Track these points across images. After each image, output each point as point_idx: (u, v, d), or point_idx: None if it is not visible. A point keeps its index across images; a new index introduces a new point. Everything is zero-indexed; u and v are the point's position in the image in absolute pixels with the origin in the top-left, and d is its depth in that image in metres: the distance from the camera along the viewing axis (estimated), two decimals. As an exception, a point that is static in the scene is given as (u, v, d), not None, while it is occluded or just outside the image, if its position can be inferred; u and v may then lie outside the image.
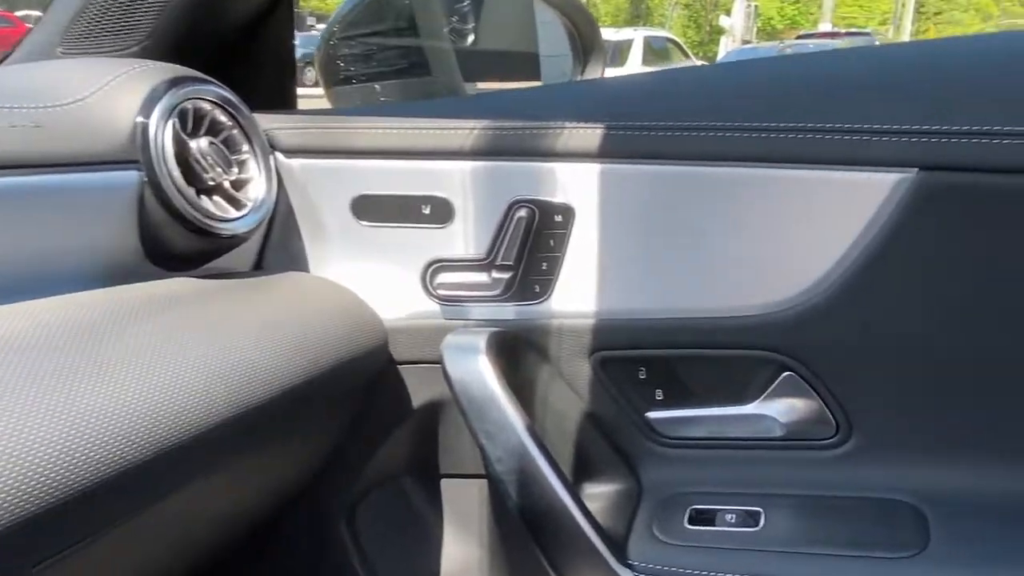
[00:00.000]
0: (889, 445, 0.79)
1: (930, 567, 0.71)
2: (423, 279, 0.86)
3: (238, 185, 0.79)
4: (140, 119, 0.71)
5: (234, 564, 0.89)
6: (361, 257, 0.87)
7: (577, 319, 0.83)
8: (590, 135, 0.80)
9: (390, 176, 0.85)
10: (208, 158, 0.75)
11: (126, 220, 0.71)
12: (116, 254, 0.71)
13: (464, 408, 0.78)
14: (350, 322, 0.80)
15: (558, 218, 0.82)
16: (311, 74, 1.25)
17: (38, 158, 0.65)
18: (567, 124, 0.81)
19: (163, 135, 0.71)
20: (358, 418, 0.89)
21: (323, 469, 0.89)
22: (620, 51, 12.20)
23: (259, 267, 0.88)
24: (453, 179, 0.84)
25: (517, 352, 0.83)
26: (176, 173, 0.72)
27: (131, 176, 0.70)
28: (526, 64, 1.32)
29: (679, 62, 13.26)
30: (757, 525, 0.79)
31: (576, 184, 0.81)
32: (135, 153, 0.71)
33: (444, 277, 0.85)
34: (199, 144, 0.75)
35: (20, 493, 0.45)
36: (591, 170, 0.80)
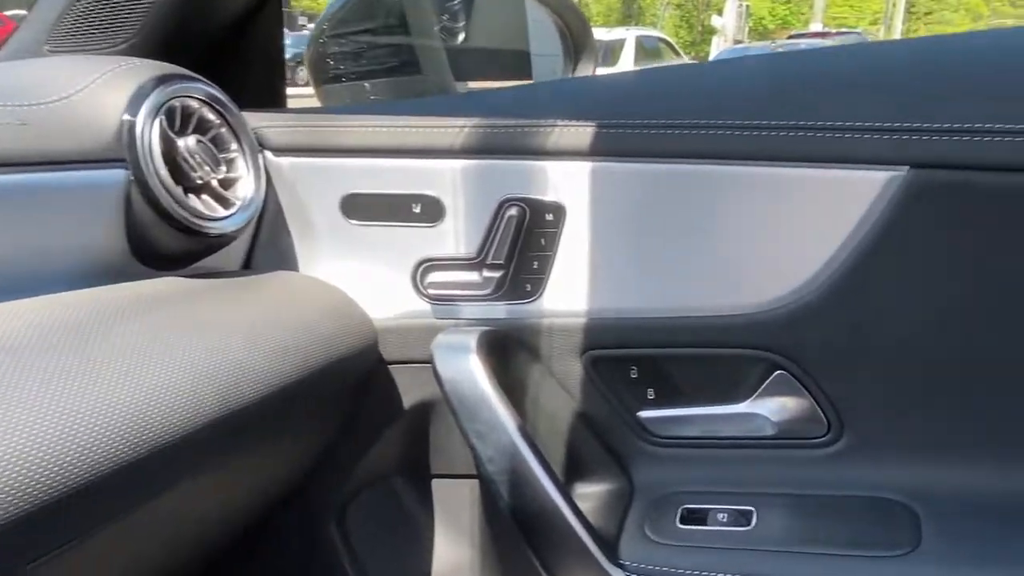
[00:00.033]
0: (881, 444, 0.79)
1: (922, 565, 0.71)
2: (413, 278, 0.85)
3: (226, 184, 0.78)
4: (127, 117, 0.71)
5: (225, 564, 0.89)
6: (351, 256, 0.87)
7: (568, 318, 0.82)
8: (581, 133, 0.79)
9: (380, 175, 0.85)
10: (196, 156, 0.74)
11: (113, 219, 0.70)
12: (103, 253, 0.70)
13: (455, 408, 0.78)
14: (340, 322, 0.79)
15: (549, 217, 0.81)
16: (303, 74, 1.25)
17: (24, 156, 0.65)
18: (558, 122, 0.80)
19: (150, 133, 0.71)
20: (348, 418, 0.88)
21: (313, 469, 0.89)
22: (612, 51, 12.21)
23: (248, 266, 0.88)
24: (443, 178, 0.83)
25: (508, 351, 0.83)
26: (163, 171, 0.71)
27: (118, 175, 0.70)
28: (518, 63, 1.31)
29: (671, 62, 13.26)
30: (749, 524, 0.79)
31: (567, 182, 0.81)
32: (122, 151, 0.70)
33: (434, 276, 0.85)
34: (187, 142, 0.74)
35: (15, 492, 0.45)
36: (582, 168, 0.80)
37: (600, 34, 12.26)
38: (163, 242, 0.73)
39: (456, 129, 0.82)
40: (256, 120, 0.85)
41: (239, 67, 0.95)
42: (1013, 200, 0.70)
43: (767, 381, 0.80)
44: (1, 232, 0.62)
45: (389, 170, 0.84)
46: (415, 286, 0.85)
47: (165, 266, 0.76)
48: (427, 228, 0.84)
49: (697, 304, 0.79)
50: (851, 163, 0.73)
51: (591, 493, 0.86)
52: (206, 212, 0.75)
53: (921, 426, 0.77)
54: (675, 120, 0.78)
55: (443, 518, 0.95)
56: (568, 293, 0.82)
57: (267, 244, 0.87)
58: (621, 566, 0.76)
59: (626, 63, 12.14)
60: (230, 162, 0.79)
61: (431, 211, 0.84)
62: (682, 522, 0.81)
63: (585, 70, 1.30)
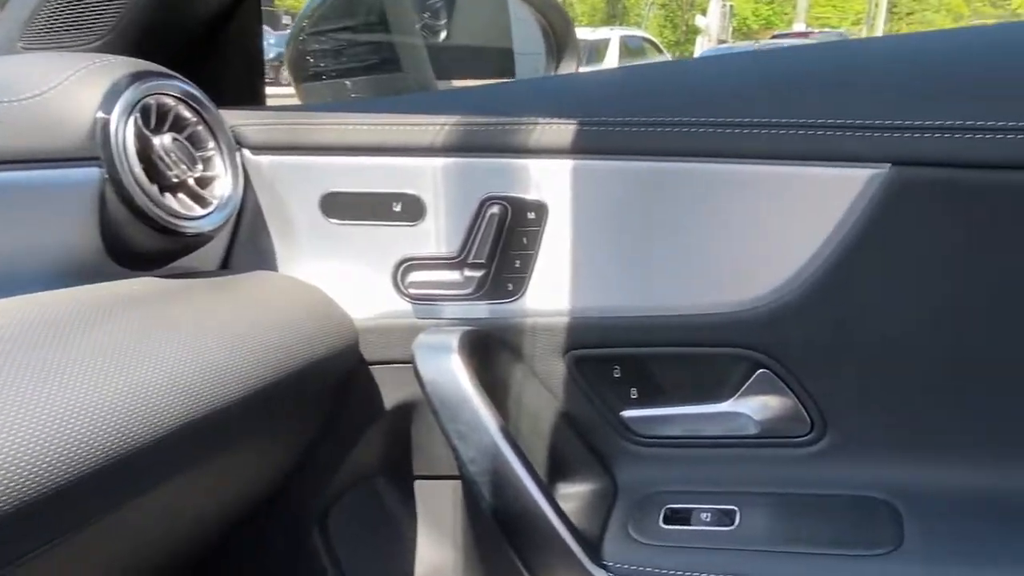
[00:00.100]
0: (863, 442, 0.79)
1: (905, 564, 0.71)
2: (394, 278, 0.85)
3: (203, 182, 0.77)
4: (101, 115, 0.69)
5: (207, 565, 0.88)
6: (331, 256, 0.86)
7: (551, 317, 0.82)
8: (563, 131, 0.79)
9: (360, 173, 0.84)
10: (172, 155, 0.73)
11: (87, 218, 0.69)
12: (77, 253, 0.69)
13: (436, 409, 0.77)
14: (320, 322, 0.79)
15: (531, 215, 0.81)
16: (288, 74, 1.23)
17: None
18: (539, 120, 0.80)
19: (124, 131, 0.70)
20: (329, 419, 0.87)
21: (295, 470, 0.88)
22: (597, 50, 12.22)
23: (226, 266, 0.87)
24: (424, 176, 0.82)
25: (490, 351, 0.82)
26: (138, 170, 0.70)
27: (92, 173, 0.69)
28: (501, 61, 1.31)
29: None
30: (732, 524, 0.78)
31: (549, 180, 0.80)
32: (96, 150, 0.69)
33: (415, 276, 0.84)
34: (162, 140, 0.73)
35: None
36: (564, 166, 0.79)
37: (585, 34, 12.27)
38: (138, 241, 0.72)
39: (437, 127, 0.82)
40: (234, 118, 0.84)
41: (217, 64, 0.94)
42: (995, 197, 0.70)
43: (750, 380, 0.80)
44: None
45: (369, 168, 0.84)
46: (396, 286, 0.85)
47: (141, 266, 0.75)
48: (408, 227, 0.84)
49: (680, 303, 0.79)
50: (833, 161, 0.73)
51: (574, 493, 0.85)
52: (182, 211, 0.74)
53: (904, 425, 0.77)
54: (657, 118, 0.77)
55: (425, 519, 0.94)
56: (550, 292, 0.82)
57: (245, 244, 0.86)
58: (604, 567, 0.76)
59: (611, 63, 12.14)
60: (207, 160, 0.78)
61: (412, 210, 0.83)
62: (665, 522, 0.80)
63: (568, 69, 1.29)
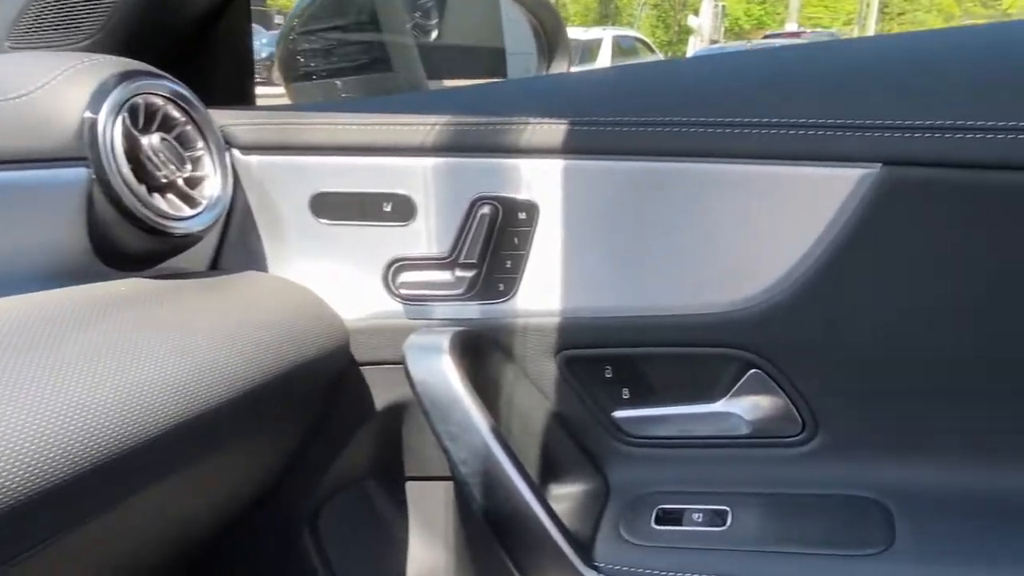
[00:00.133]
0: (855, 442, 0.79)
1: (896, 564, 0.71)
2: (385, 278, 0.84)
3: (192, 183, 0.77)
4: (88, 114, 0.69)
5: (198, 566, 0.87)
6: (321, 256, 0.85)
7: (542, 318, 0.82)
8: (554, 131, 0.79)
9: (350, 173, 0.83)
10: (160, 155, 0.73)
11: (75, 219, 0.69)
12: (65, 254, 0.69)
13: (427, 410, 0.77)
14: (310, 322, 0.78)
15: (522, 215, 0.81)
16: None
17: None
18: (531, 119, 0.79)
19: (112, 131, 0.69)
20: (320, 420, 0.87)
21: (286, 471, 0.88)
22: (589, 50, 12.23)
23: (215, 267, 0.86)
24: (415, 176, 0.82)
25: (481, 352, 0.82)
26: (126, 170, 0.70)
27: (79, 174, 0.68)
28: (492, 61, 1.31)
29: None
30: (724, 524, 0.78)
31: (540, 180, 0.80)
32: (83, 150, 0.68)
33: (406, 276, 0.84)
34: (151, 140, 0.73)
35: None
36: (555, 166, 0.79)
37: (577, 34, 12.28)
38: (127, 242, 0.72)
39: (428, 127, 0.81)
40: (223, 118, 0.84)
41: (206, 64, 0.93)
42: (986, 197, 0.70)
43: (742, 380, 0.80)
44: None
45: (359, 168, 0.83)
46: (387, 286, 0.84)
47: (130, 267, 0.74)
48: (398, 227, 0.83)
49: (671, 303, 0.79)
50: (824, 161, 0.73)
51: (566, 494, 0.85)
52: (171, 212, 0.73)
53: (895, 424, 0.77)
54: (649, 117, 0.77)
55: (417, 520, 0.94)
56: (542, 292, 0.81)
57: (235, 244, 0.86)
58: (595, 567, 0.76)
59: (603, 63, 12.15)
60: (196, 160, 0.78)
61: (402, 210, 0.83)
62: (657, 522, 0.80)
63: (559, 68, 1.29)
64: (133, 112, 0.72)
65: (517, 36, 1.30)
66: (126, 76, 0.73)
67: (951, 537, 0.73)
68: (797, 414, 0.79)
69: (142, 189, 0.71)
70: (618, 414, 0.84)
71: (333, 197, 0.84)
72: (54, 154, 0.67)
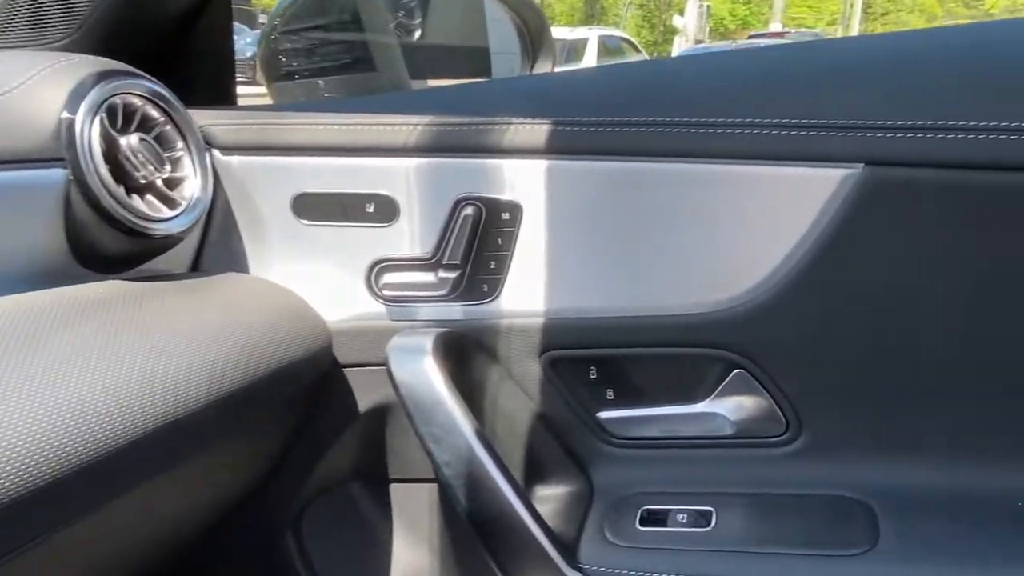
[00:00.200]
0: (838, 442, 0.79)
1: (879, 564, 0.71)
2: (368, 279, 0.84)
3: (172, 183, 0.76)
4: (66, 115, 0.68)
5: (181, 568, 0.86)
6: (303, 257, 0.85)
7: (526, 319, 0.81)
8: (537, 131, 0.78)
9: (332, 173, 0.83)
10: (139, 155, 0.72)
11: (52, 221, 0.68)
12: (42, 256, 0.68)
13: (410, 411, 0.76)
14: (292, 324, 0.78)
15: (505, 216, 0.80)
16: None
17: None
18: (514, 120, 0.79)
19: (90, 131, 0.68)
20: (303, 422, 0.86)
21: (269, 474, 0.87)
22: (575, 50, 12.24)
23: (196, 268, 0.86)
24: (397, 176, 0.82)
25: (465, 353, 0.82)
26: (104, 171, 0.69)
27: (56, 175, 0.67)
28: (476, 61, 1.30)
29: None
30: (708, 525, 0.78)
31: (523, 181, 0.80)
32: (60, 151, 0.68)
33: (389, 277, 0.83)
34: (129, 141, 0.72)
35: None
36: (538, 167, 0.79)
37: (563, 33, 12.29)
38: (105, 244, 0.71)
39: (411, 127, 0.81)
40: (203, 118, 0.83)
41: (186, 63, 0.92)
42: (968, 197, 0.71)
43: (726, 380, 0.80)
44: None
45: (341, 169, 0.83)
46: (369, 287, 0.84)
47: (109, 269, 0.73)
48: (381, 228, 0.83)
49: (655, 303, 0.78)
50: (807, 161, 0.73)
51: (551, 495, 0.85)
52: (150, 213, 0.72)
53: (879, 424, 0.78)
54: (633, 118, 0.77)
55: (401, 522, 0.93)
56: (526, 293, 0.81)
57: (216, 245, 0.85)
58: (580, 569, 0.75)
59: (589, 62, 12.16)
60: (175, 161, 0.77)
61: (385, 211, 0.82)
62: (642, 523, 0.80)
63: (543, 68, 1.29)
64: (111, 112, 0.71)
65: (500, 35, 1.29)
66: (104, 76, 0.72)
67: (935, 537, 0.73)
68: (781, 414, 0.79)
69: (120, 190, 0.70)
70: (602, 415, 0.84)
71: (315, 198, 0.83)
72: (30, 155, 0.67)
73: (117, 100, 0.72)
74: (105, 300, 0.65)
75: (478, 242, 0.81)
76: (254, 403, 0.71)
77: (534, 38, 1.28)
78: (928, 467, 0.77)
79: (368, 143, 0.82)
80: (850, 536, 0.74)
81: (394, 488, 0.93)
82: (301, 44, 1.15)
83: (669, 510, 0.80)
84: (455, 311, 0.82)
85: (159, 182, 0.74)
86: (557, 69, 1.40)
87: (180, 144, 0.77)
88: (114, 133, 0.71)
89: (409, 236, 0.82)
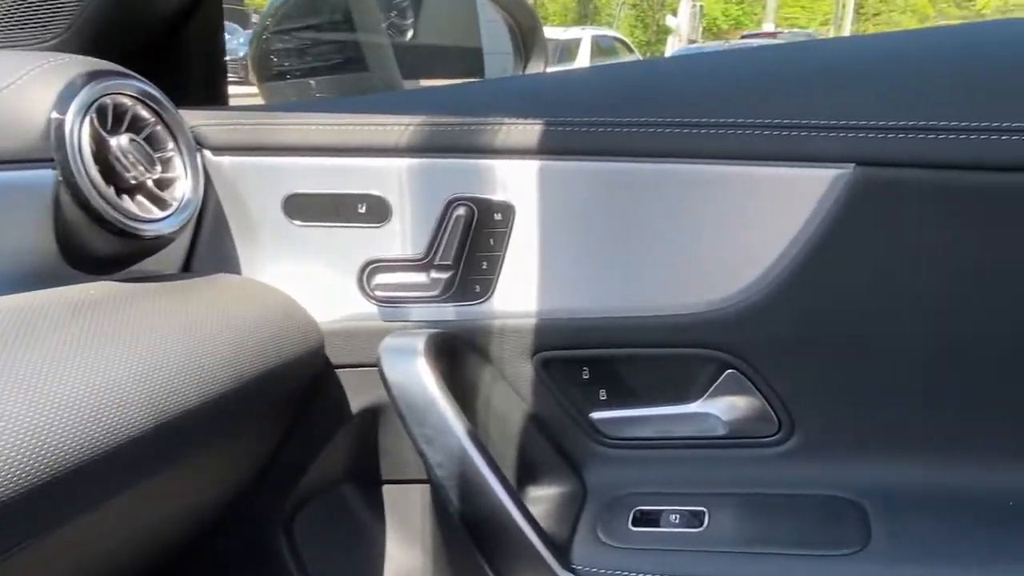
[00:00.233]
0: (831, 442, 0.79)
1: (872, 564, 0.71)
2: (360, 280, 0.83)
3: (162, 184, 0.76)
4: (55, 115, 0.68)
5: (172, 571, 0.86)
6: (295, 258, 0.84)
7: (518, 319, 0.81)
8: (529, 131, 0.78)
9: (323, 174, 0.83)
10: (129, 156, 0.72)
11: (41, 222, 0.67)
12: (32, 258, 0.68)
13: (403, 412, 0.76)
14: (284, 325, 0.77)
15: (497, 216, 0.80)
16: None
17: None
18: (506, 120, 0.79)
19: (80, 132, 0.68)
20: (295, 423, 0.86)
21: (261, 475, 0.87)
22: (568, 50, 12.23)
23: (187, 270, 0.85)
24: (389, 177, 0.81)
25: (458, 354, 0.82)
26: (94, 172, 0.68)
27: (46, 175, 0.67)
28: (469, 61, 1.30)
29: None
30: (701, 525, 0.78)
31: (515, 181, 0.79)
32: (50, 151, 0.67)
33: (381, 278, 0.83)
34: (119, 141, 0.72)
35: None
36: (530, 167, 0.79)
37: (556, 33, 12.28)
38: (95, 245, 0.71)
39: (402, 127, 0.81)
40: (194, 118, 0.83)
41: (177, 63, 0.92)
42: (958, 197, 0.71)
43: (718, 381, 0.80)
44: None
45: (333, 169, 0.82)
46: (361, 288, 0.84)
47: (99, 270, 0.73)
48: (373, 228, 0.83)
49: (647, 304, 0.78)
50: (798, 161, 0.73)
51: (543, 496, 0.85)
52: (140, 214, 0.72)
53: (871, 425, 0.78)
54: (626, 118, 0.77)
55: (394, 524, 0.93)
56: (518, 294, 0.81)
57: (207, 246, 0.85)
58: (573, 570, 0.75)
59: (582, 62, 12.16)
60: (166, 162, 0.77)
61: (377, 211, 0.82)
62: (634, 524, 0.80)
63: (536, 68, 1.29)
64: (101, 112, 0.71)
65: (493, 36, 1.29)
66: (94, 76, 0.71)
67: (926, 537, 0.73)
68: (773, 414, 0.79)
69: (110, 191, 0.70)
70: (595, 415, 0.84)
71: (306, 198, 0.83)
72: (19, 155, 0.66)
73: (107, 100, 0.72)
74: (96, 301, 0.65)
75: (470, 242, 0.81)
76: (246, 404, 0.71)
77: (527, 38, 1.28)
78: (920, 467, 0.77)
79: (360, 143, 0.81)
80: (842, 536, 0.74)
81: (387, 489, 0.92)
82: (293, 44, 1.14)
83: (662, 511, 0.80)
84: (447, 312, 0.82)
85: (149, 183, 0.74)
86: (550, 69, 1.40)
87: (171, 144, 0.77)
88: (104, 133, 0.71)
89: (401, 236, 0.82)
